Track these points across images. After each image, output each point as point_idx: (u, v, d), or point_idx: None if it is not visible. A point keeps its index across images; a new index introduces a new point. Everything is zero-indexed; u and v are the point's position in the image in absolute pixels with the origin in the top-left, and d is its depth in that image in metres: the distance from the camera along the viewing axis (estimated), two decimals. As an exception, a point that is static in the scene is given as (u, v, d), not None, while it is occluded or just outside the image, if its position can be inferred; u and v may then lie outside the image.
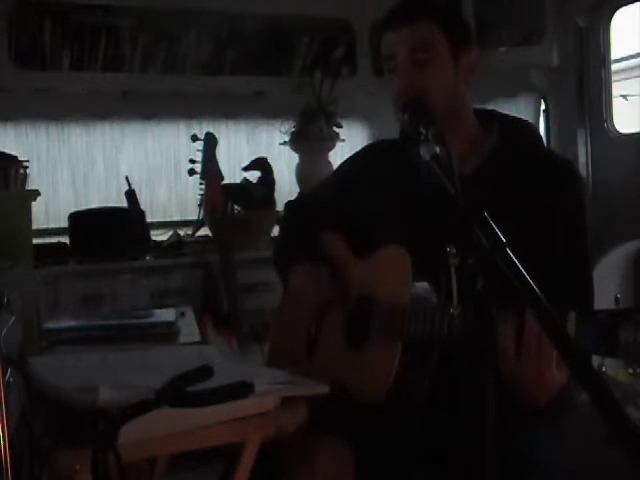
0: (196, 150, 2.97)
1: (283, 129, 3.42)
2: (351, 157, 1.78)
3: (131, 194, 3.20)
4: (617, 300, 1.08)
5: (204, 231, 3.23)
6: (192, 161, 2.98)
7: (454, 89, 1.48)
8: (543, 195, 1.44)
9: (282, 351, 1.71)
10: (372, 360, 1.44)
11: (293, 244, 1.73)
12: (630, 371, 1.08)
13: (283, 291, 1.72)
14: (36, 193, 2.75)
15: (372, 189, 1.63)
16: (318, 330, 1.62)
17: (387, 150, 1.66)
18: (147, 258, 3.10)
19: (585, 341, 1.08)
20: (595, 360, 1.12)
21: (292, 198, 2.02)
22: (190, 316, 2.08)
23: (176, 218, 3.46)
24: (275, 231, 3.28)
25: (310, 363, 1.61)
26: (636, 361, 1.06)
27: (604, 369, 1.10)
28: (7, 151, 2.82)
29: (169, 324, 1.89)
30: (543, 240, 1.38)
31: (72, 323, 1.92)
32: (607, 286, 1.12)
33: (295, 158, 3.47)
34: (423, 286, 1.38)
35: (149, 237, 3.16)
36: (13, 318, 1.56)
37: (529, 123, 1.62)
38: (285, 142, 3.43)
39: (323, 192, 1.81)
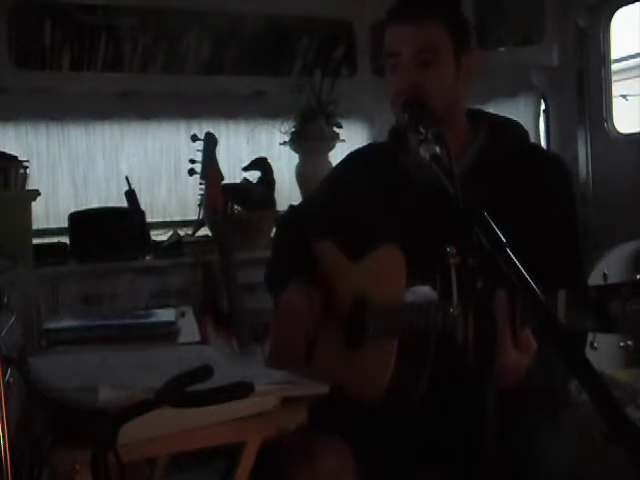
0: (196, 150, 2.96)
1: (283, 129, 3.41)
2: (342, 161, 1.77)
3: (131, 194, 3.20)
4: (605, 276, 1.08)
5: (204, 231, 3.22)
6: (192, 161, 2.97)
7: (453, 90, 1.48)
8: (532, 192, 1.44)
9: (281, 356, 1.71)
10: (369, 360, 1.44)
11: (284, 262, 1.71)
12: (622, 344, 1.08)
13: (274, 308, 1.67)
14: (36, 193, 2.75)
15: (364, 191, 1.62)
16: (316, 333, 1.61)
17: (377, 153, 1.67)
18: (147, 258, 3.10)
19: (575, 318, 1.08)
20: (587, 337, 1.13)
21: (291, 201, 2.01)
22: (190, 316, 2.08)
23: (176, 218, 3.45)
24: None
25: (309, 365, 1.61)
26: (627, 334, 1.06)
27: (595, 345, 1.10)
28: (7, 151, 2.82)
29: (169, 324, 1.89)
30: (535, 237, 1.38)
31: (72, 323, 1.92)
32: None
33: (295, 158, 3.47)
34: (425, 289, 1.37)
35: (149, 237, 3.15)
36: (13, 318, 1.56)
37: (517, 122, 1.61)
38: (285, 142, 3.43)
39: (315, 200, 1.80)
